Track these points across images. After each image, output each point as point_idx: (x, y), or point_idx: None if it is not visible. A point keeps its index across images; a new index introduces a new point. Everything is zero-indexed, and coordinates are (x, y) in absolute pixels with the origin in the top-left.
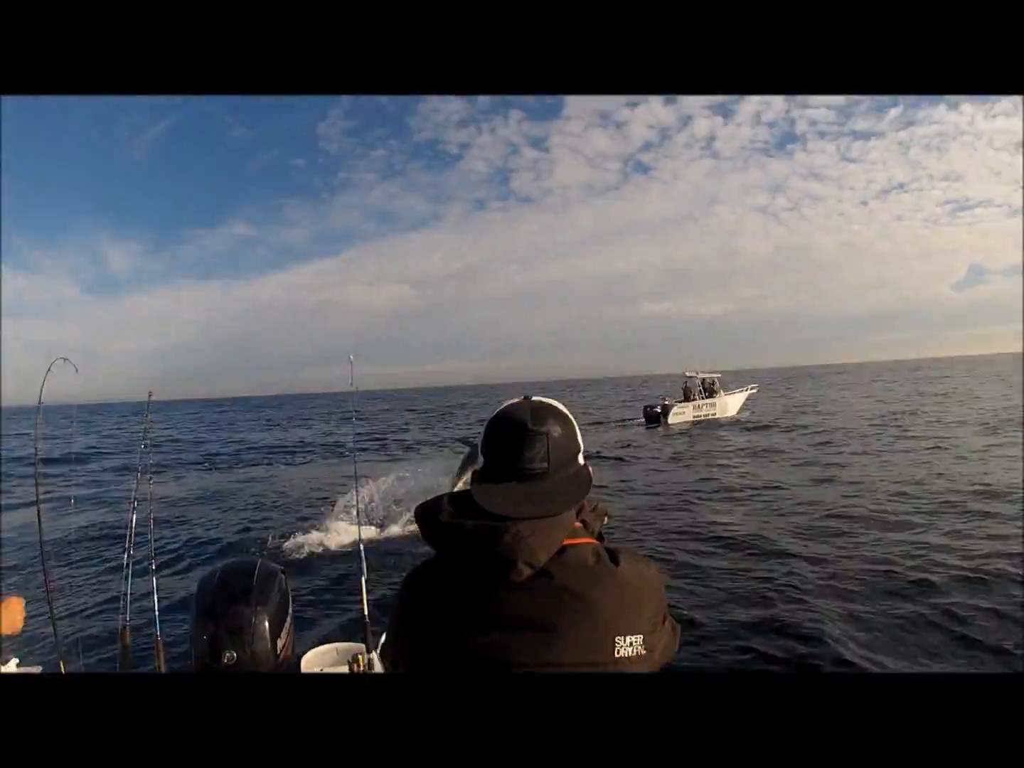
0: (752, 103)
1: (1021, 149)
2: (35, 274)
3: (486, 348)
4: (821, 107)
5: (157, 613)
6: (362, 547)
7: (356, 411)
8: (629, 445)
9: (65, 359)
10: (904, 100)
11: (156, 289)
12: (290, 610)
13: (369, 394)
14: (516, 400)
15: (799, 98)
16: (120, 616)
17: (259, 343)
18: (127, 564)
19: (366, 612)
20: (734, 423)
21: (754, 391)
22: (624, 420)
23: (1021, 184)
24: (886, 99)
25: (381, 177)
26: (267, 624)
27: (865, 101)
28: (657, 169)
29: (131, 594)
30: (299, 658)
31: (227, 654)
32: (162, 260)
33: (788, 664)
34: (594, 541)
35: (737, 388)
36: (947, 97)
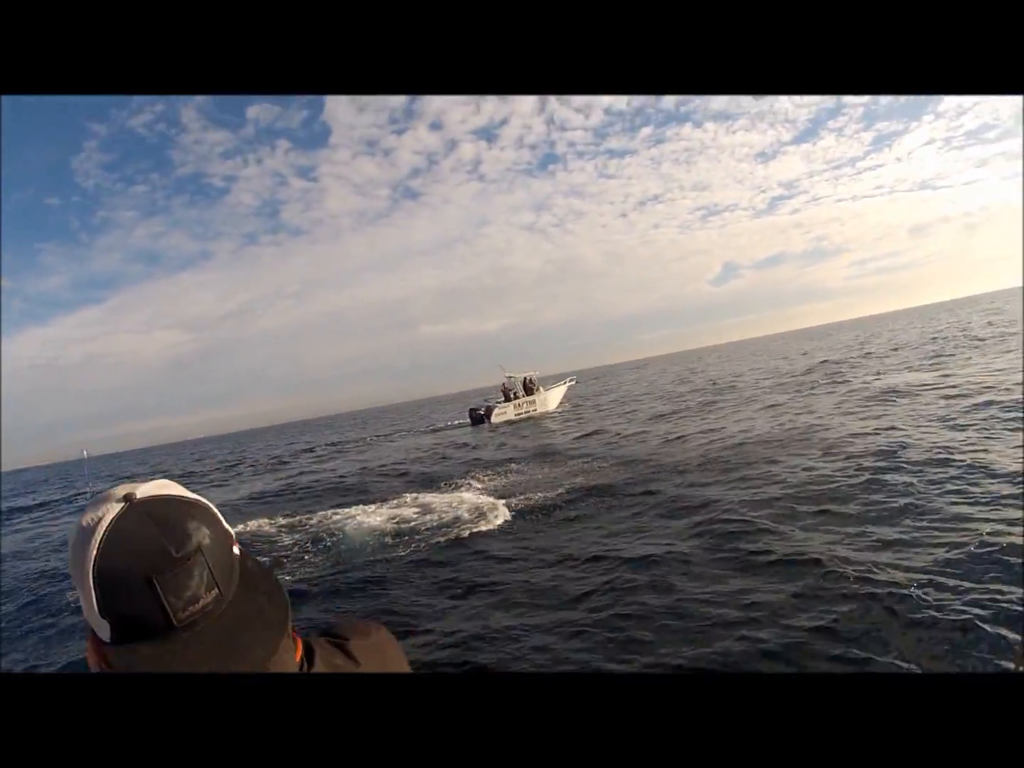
0: (513, 128)
1: (1021, 149)
2: None
3: (272, 387)
4: (578, 129)
5: None
6: None
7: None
8: (466, 445)
9: None
10: (653, 119)
11: None
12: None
13: (135, 452)
14: (108, 502)
15: (557, 121)
16: None
17: (29, 406)
18: None
19: None
20: (555, 416)
21: (573, 383)
22: (451, 425)
23: (761, 189)
24: (637, 119)
25: (144, 215)
26: None
27: (617, 123)
28: (426, 194)
29: None
30: None
31: None
32: None
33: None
34: (300, 641)
35: (556, 383)
36: (692, 116)
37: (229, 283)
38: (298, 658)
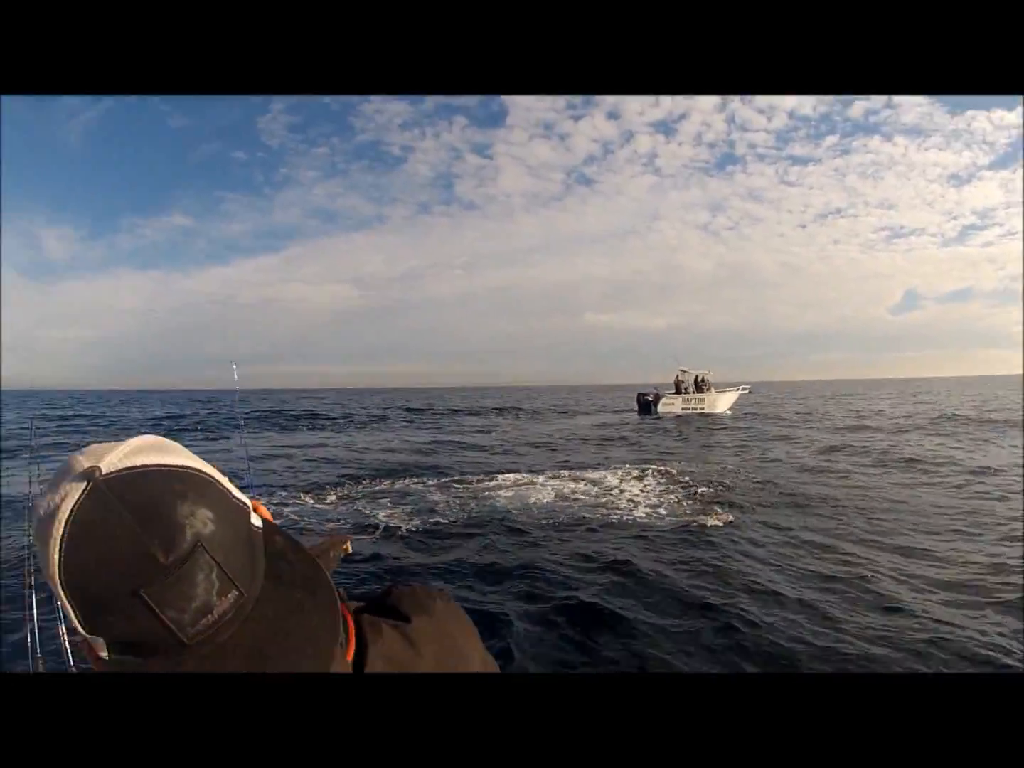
0: (693, 124)
1: (1021, 149)
2: None
3: (431, 352)
4: (760, 131)
5: None
6: None
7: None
8: (629, 432)
9: None
10: (839, 128)
11: (94, 277)
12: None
13: (311, 392)
14: (66, 479)
15: (739, 121)
16: None
17: (200, 337)
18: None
19: None
20: (722, 419)
21: (746, 391)
22: (615, 408)
23: (952, 215)
24: (822, 127)
25: (324, 175)
26: None
27: (802, 128)
28: (600, 183)
29: None
30: None
31: None
32: (99, 248)
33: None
34: (353, 632)
35: (729, 388)
36: (882, 128)
37: (400, 248)
38: (351, 656)
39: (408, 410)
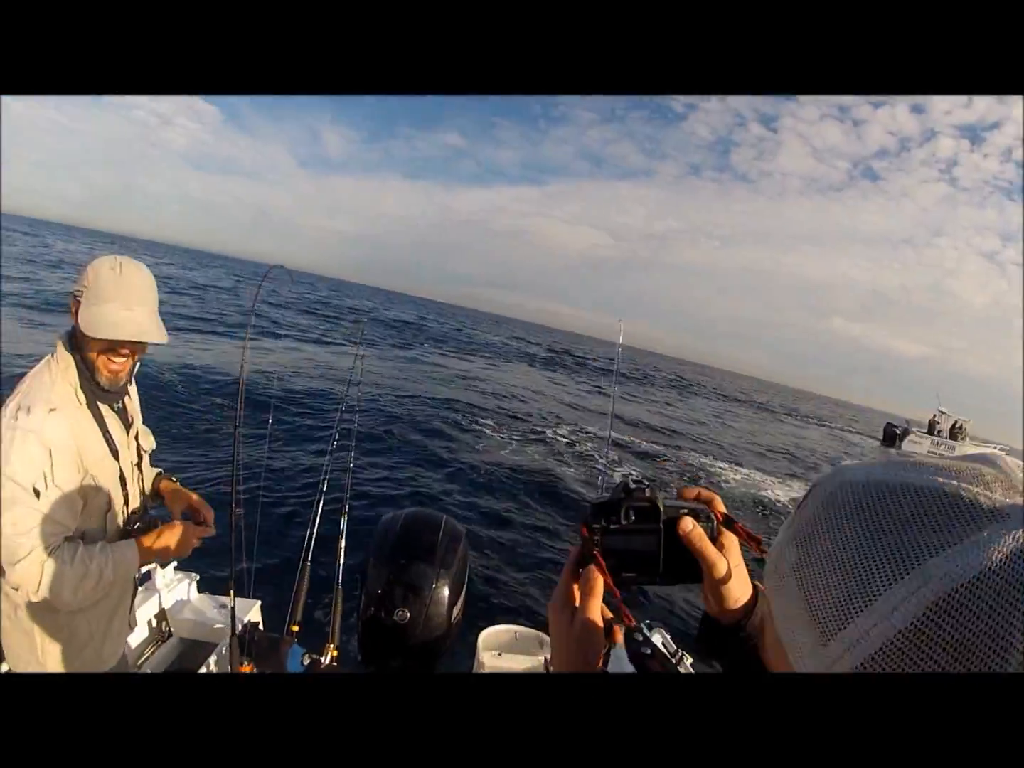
0: (1006, 134)
1: (1022, 149)
2: (255, 140)
3: (661, 317)
4: None
5: (342, 560)
6: None
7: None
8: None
9: (282, 266)
10: None
11: (364, 178)
12: (466, 579)
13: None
14: None
15: None
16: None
17: (452, 252)
18: (318, 502)
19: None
20: None
21: (1006, 450)
22: (857, 431)
23: None
24: None
25: (600, 119)
26: (447, 590)
27: None
28: (886, 180)
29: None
30: (474, 636)
31: (400, 611)
32: (374, 152)
33: None
34: None
35: (987, 443)
36: None
37: (662, 205)
38: None
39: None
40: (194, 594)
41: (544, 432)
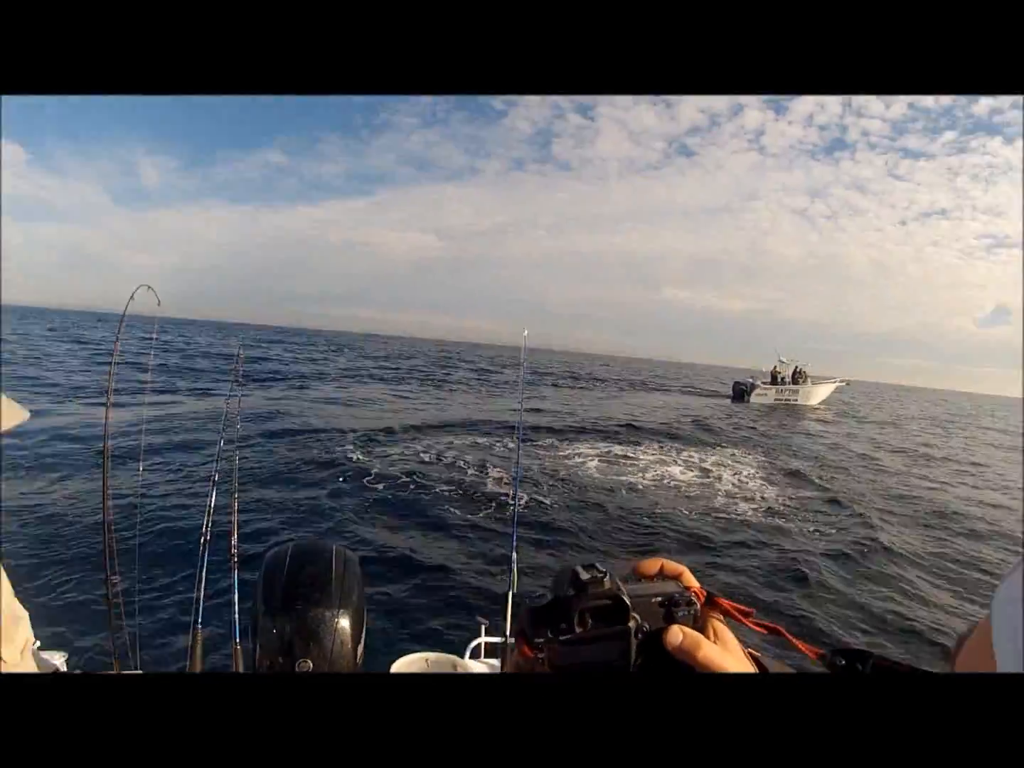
0: (808, 103)
1: (1022, 151)
2: (65, 178)
3: (503, 311)
4: (876, 118)
5: (236, 616)
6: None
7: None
8: (731, 416)
9: (149, 287)
10: (960, 124)
11: (187, 208)
12: (365, 609)
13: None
14: None
15: (855, 105)
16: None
17: (285, 274)
18: (203, 545)
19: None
20: (816, 411)
21: (844, 384)
22: (717, 393)
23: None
24: (941, 120)
25: (422, 123)
26: (349, 627)
27: (920, 119)
28: (701, 155)
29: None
30: (384, 669)
31: (302, 663)
32: (193, 179)
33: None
34: None
35: (826, 380)
36: (1005, 130)
37: (489, 202)
38: None
39: (479, 370)
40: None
41: (411, 445)
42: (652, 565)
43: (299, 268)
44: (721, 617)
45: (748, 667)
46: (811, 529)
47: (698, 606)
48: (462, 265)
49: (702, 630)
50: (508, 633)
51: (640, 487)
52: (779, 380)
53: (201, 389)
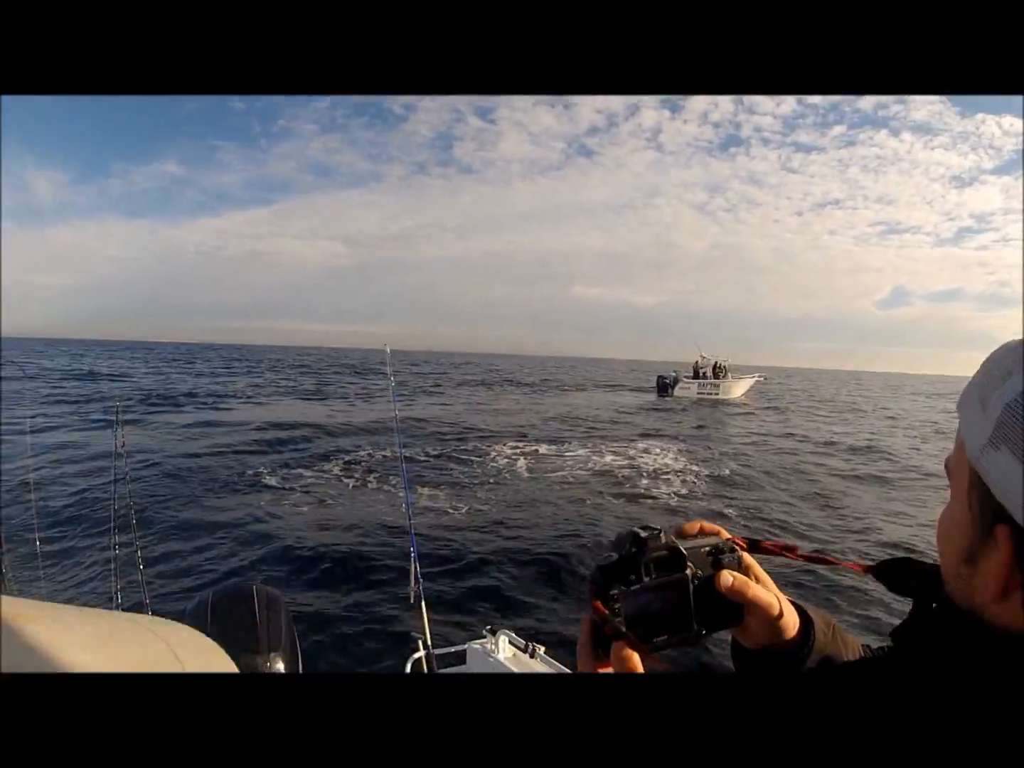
0: (700, 102)
1: (1021, 149)
2: None
3: (418, 314)
4: (767, 115)
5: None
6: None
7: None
8: (654, 409)
9: None
10: (848, 119)
11: (82, 223)
12: (298, 645)
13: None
14: None
15: (747, 103)
16: None
17: (187, 288)
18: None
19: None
20: (737, 405)
21: (762, 379)
22: (640, 388)
23: (949, 216)
24: (830, 115)
25: (321, 129)
26: (283, 667)
27: (810, 115)
28: (601, 155)
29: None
30: None
31: None
32: (87, 193)
33: None
34: None
35: (747, 375)
36: (890, 123)
37: (394, 207)
38: None
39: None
40: None
41: (337, 460)
42: (693, 526)
43: (202, 282)
44: (754, 562)
45: (787, 603)
46: (724, 507)
47: (739, 553)
48: (371, 272)
49: (745, 573)
50: (430, 644)
51: (571, 480)
52: (701, 374)
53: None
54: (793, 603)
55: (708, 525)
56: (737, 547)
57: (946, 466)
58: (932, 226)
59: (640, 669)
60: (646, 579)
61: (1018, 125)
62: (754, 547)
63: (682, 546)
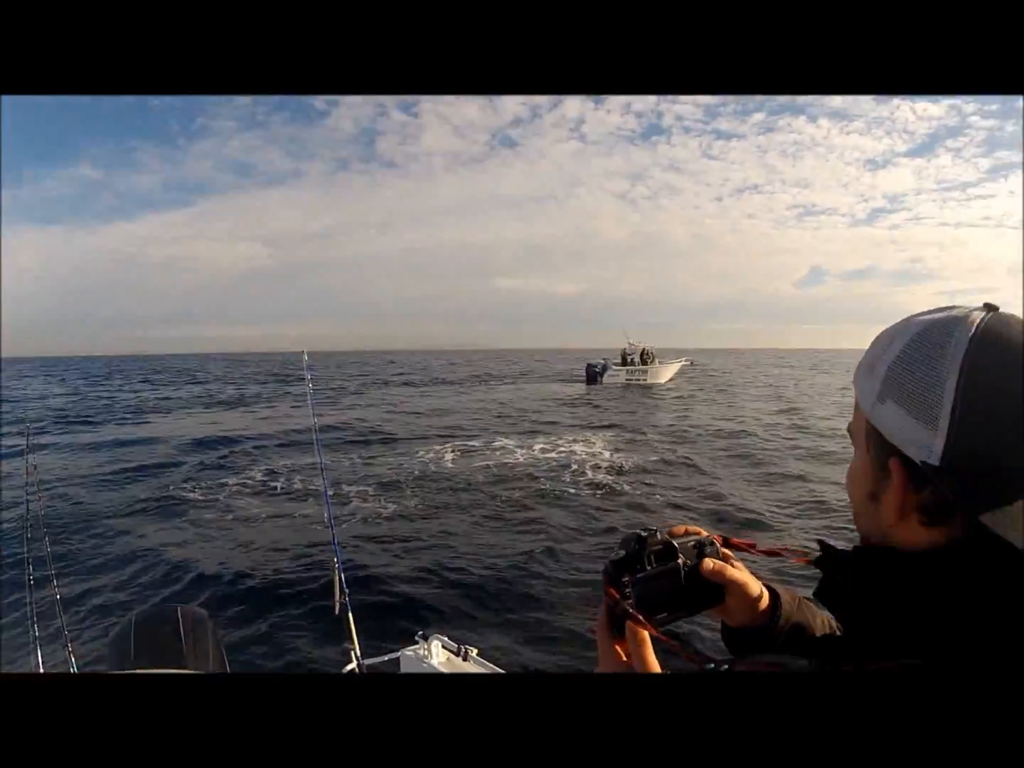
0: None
1: (1021, 151)
2: None
3: (341, 313)
4: (689, 103)
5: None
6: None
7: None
8: (580, 398)
9: None
10: (767, 106)
11: None
12: (226, 661)
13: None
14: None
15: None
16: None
17: (102, 298)
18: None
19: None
20: (665, 389)
21: (688, 363)
22: (569, 377)
23: (864, 198)
24: (750, 103)
25: (241, 126)
26: None
27: (731, 103)
28: (524, 146)
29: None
30: None
31: None
32: None
33: None
34: None
35: (674, 359)
36: (808, 109)
37: (316, 205)
38: None
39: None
40: None
41: (252, 474)
42: (679, 529)
43: (119, 290)
44: (731, 554)
45: (757, 583)
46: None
47: (718, 546)
48: (293, 272)
49: (724, 562)
50: (359, 655)
51: (502, 476)
52: (629, 361)
53: None
54: (764, 584)
55: (691, 527)
56: (715, 542)
57: (848, 430)
58: (847, 207)
59: (648, 644)
60: (648, 568)
61: (933, 110)
62: (726, 543)
63: (677, 540)
